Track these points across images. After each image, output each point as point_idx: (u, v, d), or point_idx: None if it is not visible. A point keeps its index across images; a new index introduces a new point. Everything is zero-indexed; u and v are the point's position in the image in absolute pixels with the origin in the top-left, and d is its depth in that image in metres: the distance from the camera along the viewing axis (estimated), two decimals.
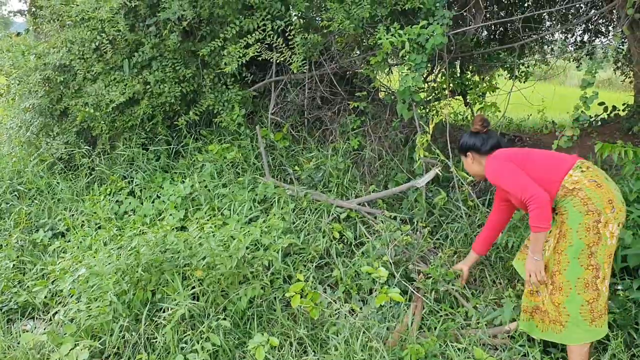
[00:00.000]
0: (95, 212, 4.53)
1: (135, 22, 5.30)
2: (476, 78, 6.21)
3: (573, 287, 2.73)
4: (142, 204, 4.65)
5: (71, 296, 3.42)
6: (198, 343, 2.94)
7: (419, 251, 3.87)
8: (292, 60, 4.86)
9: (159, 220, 4.34)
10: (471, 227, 4.21)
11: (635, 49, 6.73)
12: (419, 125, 4.67)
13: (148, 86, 5.13)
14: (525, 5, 9.49)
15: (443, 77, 5.75)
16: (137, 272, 3.25)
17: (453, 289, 3.50)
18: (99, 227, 4.38)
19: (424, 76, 5.58)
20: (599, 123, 7.24)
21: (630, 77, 9.23)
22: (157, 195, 4.74)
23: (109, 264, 3.32)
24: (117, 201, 4.76)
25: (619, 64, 9.79)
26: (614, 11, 6.23)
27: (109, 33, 5.02)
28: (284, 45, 4.92)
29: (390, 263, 3.66)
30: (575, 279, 2.73)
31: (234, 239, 3.41)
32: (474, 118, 3.24)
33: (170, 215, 4.32)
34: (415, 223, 4.29)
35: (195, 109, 5.28)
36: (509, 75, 5.89)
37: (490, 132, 3.20)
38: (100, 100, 5.06)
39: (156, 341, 3.06)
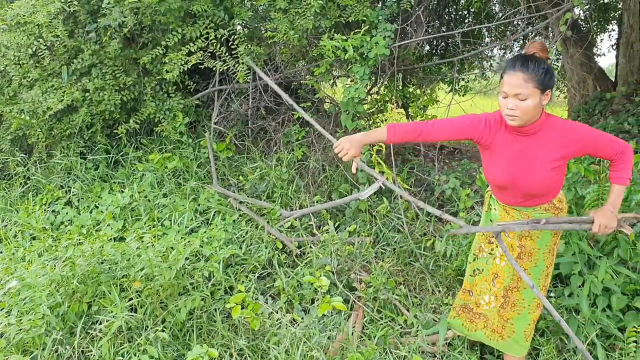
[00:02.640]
0: (29, 223, 4.37)
1: (74, 27, 5.16)
2: (418, 91, 6.36)
3: (527, 307, 2.68)
4: (79, 214, 4.52)
5: (1, 309, 3.27)
6: (135, 356, 2.86)
7: (361, 260, 3.91)
8: (236, 69, 4.85)
9: (96, 230, 4.23)
10: (412, 236, 4.29)
11: (569, 65, 7.06)
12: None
13: (87, 94, 5.00)
14: (466, 21, 9.82)
15: (386, 90, 5.87)
16: (72, 283, 3.15)
17: (394, 297, 3.54)
18: (34, 238, 4.23)
19: (368, 88, 5.67)
20: None
21: (564, 93, 9.64)
22: (95, 205, 4.62)
23: (43, 275, 3.20)
24: (53, 211, 4.61)
25: (554, 79, 10.19)
26: (549, 28, 6.52)
27: (47, 38, 4.86)
28: (227, 54, 4.90)
29: (333, 272, 3.68)
30: (531, 299, 2.67)
31: (174, 250, 3.35)
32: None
33: (108, 225, 4.21)
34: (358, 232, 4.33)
35: (135, 118, 5.18)
36: (449, 88, 6.05)
37: (547, 64, 2.28)
38: (37, 107, 4.89)
39: (91, 354, 2.96)
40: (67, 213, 4.51)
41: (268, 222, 4.34)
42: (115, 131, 5.29)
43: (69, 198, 4.81)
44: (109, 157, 5.29)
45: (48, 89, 4.98)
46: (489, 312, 2.83)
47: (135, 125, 5.16)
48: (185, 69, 4.88)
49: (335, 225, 4.34)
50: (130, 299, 3.17)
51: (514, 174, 2.43)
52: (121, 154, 5.30)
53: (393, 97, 5.70)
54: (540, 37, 8.86)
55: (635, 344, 2.91)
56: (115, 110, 5.09)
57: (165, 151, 5.22)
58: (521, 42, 9.34)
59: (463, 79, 9.55)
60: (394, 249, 4.18)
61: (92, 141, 5.30)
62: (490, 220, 2.80)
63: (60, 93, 4.91)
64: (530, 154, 2.38)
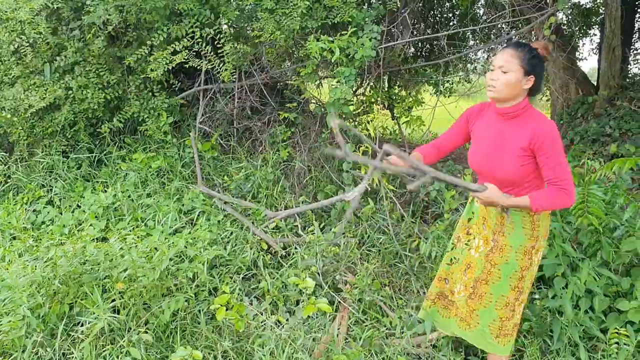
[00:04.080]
0: (9, 222, 4.30)
1: (58, 24, 5.10)
2: (403, 93, 6.38)
3: (493, 302, 2.71)
4: (61, 213, 4.46)
5: None
6: (118, 358, 2.83)
7: (347, 261, 3.90)
8: (221, 69, 4.82)
9: (78, 230, 4.17)
10: (397, 238, 4.29)
11: (552, 69, 7.12)
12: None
13: (70, 92, 4.94)
14: (451, 24, 9.87)
15: (372, 91, 5.87)
16: (53, 284, 3.10)
17: (379, 299, 3.55)
18: (14, 238, 4.16)
19: (354, 89, 5.67)
20: None
21: (547, 96, 9.73)
22: (78, 204, 4.56)
23: (23, 276, 3.15)
24: (34, 210, 4.54)
25: None
26: (533, 32, 6.58)
27: (29, 35, 4.79)
28: (213, 53, 4.87)
29: (318, 274, 3.67)
30: (499, 295, 2.70)
31: (158, 251, 3.32)
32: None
33: (91, 225, 4.16)
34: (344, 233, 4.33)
35: (119, 116, 5.12)
36: (434, 90, 6.08)
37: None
38: (19, 105, 4.82)
39: (73, 357, 2.92)
40: (48, 212, 4.45)
41: (253, 223, 4.32)
42: (98, 130, 5.23)
43: (51, 197, 4.75)
44: (92, 156, 5.22)
45: (30, 87, 4.91)
46: (459, 301, 2.89)
47: (119, 124, 5.11)
48: (170, 68, 4.84)
49: (321, 226, 4.33)
50: (113, 300, 3.13)
51: (488, 155, 2.53)
52: (104, 153, 5.24)
53: (379, 98, 5.70)
54: (525, 40, 8.94)
55: (617, 345, 2.94)
56: (98, 108, 5.03)
57: (150, 151, 5.17)
58: (505, 45, 9.43)
59: (448, 81, 9.61)
60: (379, 251, 4.18)
61: (74, 140, 5.22)
62: (473, 212, 2.88)
63: (43, 91, 4.84)
64: (504, 136, 2.48)
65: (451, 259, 2.98)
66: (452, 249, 2.98)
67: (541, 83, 2.45)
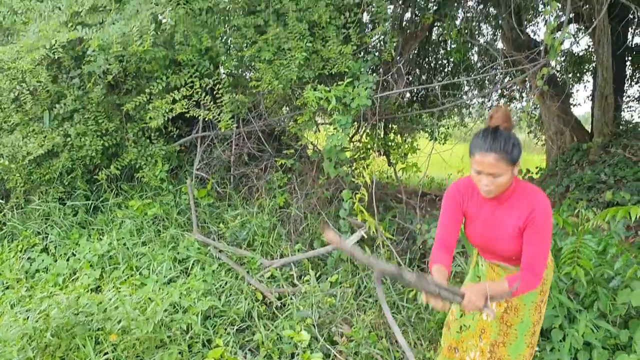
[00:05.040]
0: (3, 271, 4.27)
1: (58, 73, 5.18)
2: (399, 139, 6.43)
3: None
4: (55, 261, 4.43)
5: None
6: None
7: (343, 312, 3.87)
8: (219, 118, 4.87)
9: (72, 280, 4.14)
10: (394, 287, 4.26)
11: (546, 117, 7.22)
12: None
13: (69, 139, 4.98)
14: (446, 70, 10.04)
15: (368, 137, 5.92)
16: (45, 337, 3.06)
17: (375, 351, 3.50)
18: (7, 288, 4.12)
19: (350, 135, 5.72)
20: None
21: (542, 141, 9.84)
22: (73, 252, 4.54)
23: (15, 328, 3.12)
24: (28, 258, 4.52)
25: (532, 128, 10.44)
26: (526, 80, 6.69)
27: (30, 83, 4.86)
28: (211, 102, 4.93)
29: (314, 325, 3.63)
30: (516, 354, 2.66)
31: (152, 302, 3.29)
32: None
33: (86, 274, 4.13)
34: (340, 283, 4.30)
35: (116, 163, 5.15)
36: (429, 137, 6.14)
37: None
38: (17, 152, 4.85)
39: None
40: (43, 261, 4.42)
41: (248, 272, 4.30)
42: (95, 177, 5.25)
43: (46, 245, 4.73)
44: (89, 203, 5.22)
45: (29, 134, 4.95)
46: None
47: (116, 171, 5.13)
48: (169, 117, 4.89)
49: (317, 275, 4.31)
50: (106, 353, 3.09)
51: (486, 238, 2.52)
52: (101, 199, 5.25)
53: (375, 145, 5.75)
54: (519, 89, 9.10)
55: None
56: (96, 155, 5.06)
57: (146, 197, 5.18)
58: (499, 91, 9.58)
59: (443, 126, 9.71)
60: (376, 300, 4.15)
61: (71, 186, 5.24)
62: (478, 276, 2.81)
63: (41, 138, 4.88)
64: (498, 219, 2.45)
65: (461, 327, 2.87)
66: (460, 316, 2.87)
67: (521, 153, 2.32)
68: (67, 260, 4.43)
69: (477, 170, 2.32)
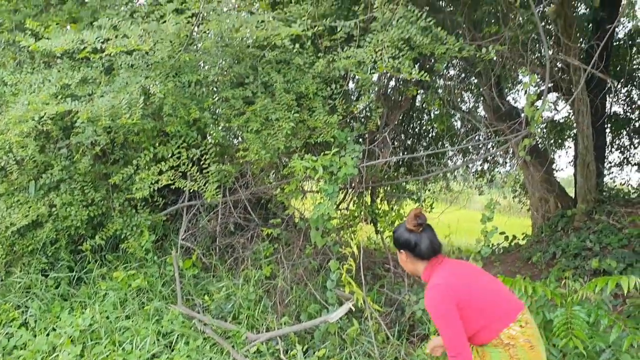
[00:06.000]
0: None
1: (46, 143, 5.19)
2: (385, 206, 6.47)
3: None
4: (35, 337, 4.30)
5: None
6: None
7: None
8: (205, 188, 4.88)
9: (52, 358, 4.01)
10: None
11: (530, 184, 7.33)
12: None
13: (54, 209, 4.94)
14: (430, 136, 10.24)
15: (354, 205, 5.95)
16: None
17: None
18: None
19: (336, 203, 5.74)
20: (501, 251, 7.64)
21: (527, 205, 9.92)
22: (53, 327, 4.41)
23: None
24: (6, 334, 4.38)
25: (517, 192, 10.56)
26: (509, 150, 6.82)
27: (17, 154, 4.87)
28: (198, 172, 4.95)
29: None
30: None
31: None
32: (409, 213, 2.90)
33: (66, 351, 4.01)
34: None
35: (102, 234, 5.10)
36: (416, 203, 6.18)
37: (425, 232, 2.78)
38: (0, 222, 4.79)
39: None
40: (21, 336, 4.28)
41: (233, 347, 4.20)
42: (79, 247, 5.18)
43: (26, 319, 4.60)
44: (72, 274, 5.12)
45: (13, 204, 4.91)
46: None
47: (101, 241, 5.07)
48: (156, 188, 4.89)
49: (304, 349, 4.22)
50: None
51: None
52: (84, 270, 5.16)
53: (362, 213, 5.77)
54: (502, 156, 9.26)
55: None
56: (81, 225, 5.01)
57: (130, 268, 5.09)
58: (484, 155, 9.74)
59: (429, 190, 9.80)
60: None
61: (54, 257, 5.16)
62: None
63: (26, 208, 4.84)
64: None
65: None
66: None
67: (417, 248, 2.78)
68: (47, 335, 4.30)
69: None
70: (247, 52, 5.24)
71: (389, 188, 6.52)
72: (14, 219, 4.74)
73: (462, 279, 2.70)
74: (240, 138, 5.82)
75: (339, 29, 5.06)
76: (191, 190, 5.42)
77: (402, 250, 2.87)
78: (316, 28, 5.08)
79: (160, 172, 4.89)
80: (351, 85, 6.30)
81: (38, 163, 5.07)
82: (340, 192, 5.18)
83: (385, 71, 5.00)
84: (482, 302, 2.63)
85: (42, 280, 4.95)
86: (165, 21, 4.41)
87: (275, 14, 5.01)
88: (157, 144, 5.02)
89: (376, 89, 6.51)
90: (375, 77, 6.43)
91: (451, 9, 6.97)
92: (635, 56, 9.33)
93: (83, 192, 5.04)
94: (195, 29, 4.69)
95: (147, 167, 4.92)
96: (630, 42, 8.83)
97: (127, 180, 5.10)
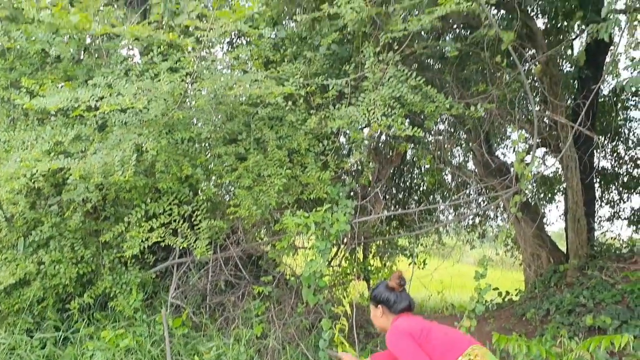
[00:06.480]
0: None
1: (37, 199, 5.16)
2: (378, 262, 6.44)
3: None
4: None
5: None
6: None
7: None
8: (195, 245, 4.84)
9: None
10: None
11: (521, 239, 7.33)
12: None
13: (42, 266, 4.87)
14: (421, 189, 10.28)
15: (347, 262, 5.92)
16: None
17: None
18: None
19: (328, 260, 5.70)
20: (495, 307, 7.55)
21: (519, 260, 9.89)
22: None
23: None
24: None
25: (509, 246, 10.55)
26: (500, 206, 6.86)
27: (7, 211, 4.83)
28: (189, 229, 4.93)
29: None
30: None
31: None
32: (393, 274, 3.38)
33: None
34: None
35: (90, 292, 5.02)
36: (409, 262, 6.17)
37: (404, 292, 3.30)
38: None
39: None
40: None
41: None
42: (67, 305, 5.08)
43: None
44: (58, 334, 5.00)
45: (1, 262, 4.84)
46: None
47: (89, 300, 4.99)
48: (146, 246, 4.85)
49: None
50: None
51: None
52: (71, 330, 5.03)
53: (354, 270, 5.74)
54: (493, 210, 9.29)
55: None
56: (70, 283, 4.93)
57: (119, 327, 4.98)
58: (475, 210, 9.78)
59: (421, 244, 9.75)
60: None
61: (41, 317, 5.04)
62: None
63: (14, 266, 4.77)
64: None
65: None
66: None
67: (394, 305, 3.23)
68: None
69: None
70: (240, 109, 5.31)
71: (381, 243, 6.51)
72: (0, 277, 4.66)
73: (418, 322, 3.16)
74: (232, 194, 5.82)
75: (330, 87, 5.16)
76: (181, 247, 5.38)
77: (379, 306, 3.30)
78: (309, 87, 5.19)
79: (151, 230, 4.86)
80: (342, 139, 6.37)
81: (28, 220, 5.02)
82: (332, 248, 5.16)
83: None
84: (435, 339, 3.01)
85: (27, 341, 4.82)
86: (159, 79, 4.50)
87: (268, 73, 5.12)
88: (148, 201, 5.00)
89: (367, 142, 6.58)
90: (366, 131, 6.52)
91: (439, 66, 7.14)
92: (621, 112, 9.53)
93: (73, 249, 4.97)
94: (189, 87, 4.77)
95: (138, 224, 4.88)
96: (614, 99, 9.03)
97: (118, 237, 5.05)
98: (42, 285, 4.85)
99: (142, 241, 4.79)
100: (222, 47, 7.59)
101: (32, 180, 4.67)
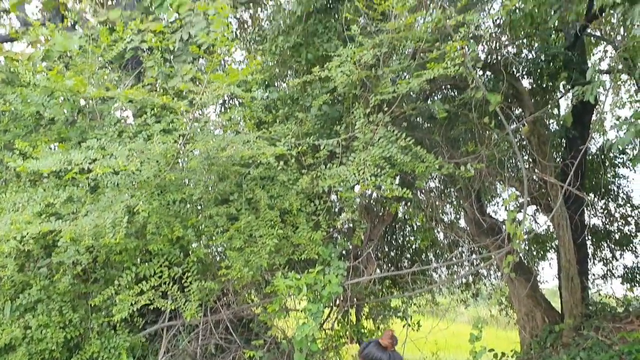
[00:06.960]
0: None
1: (26, 261, 5.10)
2: (371, 325, 6.35)
3: None
4: None
5: None
6: None
7: None
8: (185, 308, 4.76)
9: None
10: None
11: (515, 299, 7.28)
12: None
13: (29, 331, 4.75)
14: (413, 247, 10.24)
15: (339, 324, 5.82)
16: None
17: None
18: None
19: (321, 323, 5.61)
20: None
21: (513, 319, 9.78)
22: None
23: None
24: None
25: (503, 305, 10.45)
26: (493, 266, 6.83)
27: None
28: (179, 291, 4.86)
29: None
30: None
31: None
32: (384, 332, 3.31)
33: None
34: None
35: (77, 357, 4.88)
36: (402, 324, 6.08)
37: (395, 352, 3.25)
38: None
39: None
40: None
41: None
42: None
43: None
44: None
45: None
46: None
47: None
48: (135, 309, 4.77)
49: None
50: None
51: None
52: None
53: (347, 333, 5.64)
54: (486, 269, 9.26)
55: None
56: (56, 349, 4.80)
57: None
58: (468, 270, 9.74)
59: (415, 304, 9.63)
60: None
61: None
62: None
63: None
64: None
65: None
66: None
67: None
68: None
69: None
70: (232, 169, 5.34)
71: (374, 304, 6.43)
72: None
73: None
74: (223, 255, 5.77)
75: (322, 147, 5.22)
76: (171, 309, 5.30)
77: None
78: (300, 147, 5.25)
79: (141, 292, 4.78)
80: (333, 197, 6.41)
81: (16, 283, 4.93)
82: (325, 310, 5.09)
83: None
84: None
85: None
86: (152, 141, 4.55)
87: (260, 133, 5.19)
88: (139, 263, 4.95)
89: (358, 200, 6.60)
90: (357, 188, 6.57)
91: (429, 125, 7.26)
92: (609, 169, 9.65)
93: (61, 312, 4.87)
94: (182, 148, 4.82)
95: (128, 287, 4.81)
96: (602, 157, 9.16)
97: (107, 300, 4.96)
98: (28, 351, 4.71)
99: (131, 304, 4.70)
100: (215, 109, 7.73)
101: (22, 243, 4.63)
